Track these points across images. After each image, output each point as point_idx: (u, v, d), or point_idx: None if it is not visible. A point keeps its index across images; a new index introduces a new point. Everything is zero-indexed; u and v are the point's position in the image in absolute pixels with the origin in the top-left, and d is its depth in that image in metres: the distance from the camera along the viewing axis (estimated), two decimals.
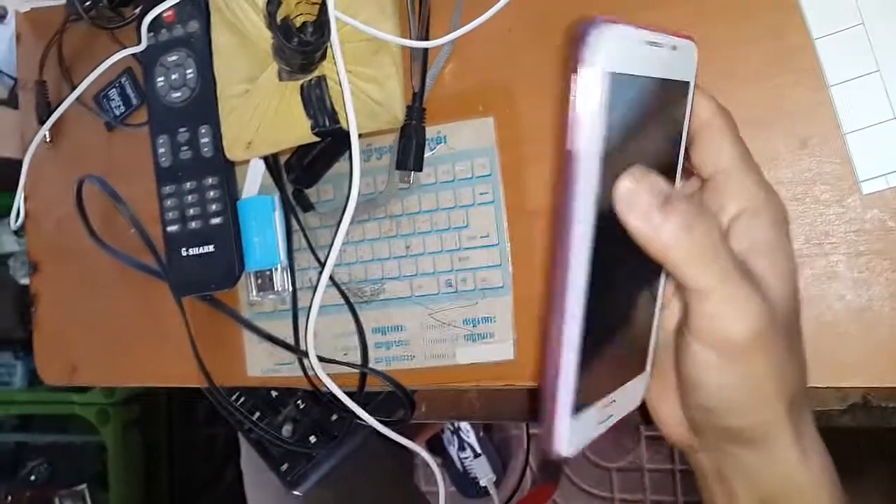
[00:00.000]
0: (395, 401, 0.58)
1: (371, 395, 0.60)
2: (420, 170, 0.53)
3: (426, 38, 0.52)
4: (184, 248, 0.57)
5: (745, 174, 0.35)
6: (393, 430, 0.57)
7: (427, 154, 0.53)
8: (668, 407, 0.39)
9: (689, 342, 0.33)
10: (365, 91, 0.51)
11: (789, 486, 0.36)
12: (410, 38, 0.52)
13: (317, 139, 0.53)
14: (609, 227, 0.30)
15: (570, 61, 0.29)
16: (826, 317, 0.44)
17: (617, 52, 0.28)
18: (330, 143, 0.54)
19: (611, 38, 0.28)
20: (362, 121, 0.51)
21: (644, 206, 0.30)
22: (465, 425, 1.29)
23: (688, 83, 0.35)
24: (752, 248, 0.34)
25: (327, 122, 0.52)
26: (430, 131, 0.53)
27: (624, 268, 0.34)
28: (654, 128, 0.34)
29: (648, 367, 0.38)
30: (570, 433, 0.32)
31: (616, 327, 0.35)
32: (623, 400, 0.36)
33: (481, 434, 1.31)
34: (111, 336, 0.64)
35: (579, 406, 0.33)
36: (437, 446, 1.32)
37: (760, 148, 0.46)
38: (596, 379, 0.34)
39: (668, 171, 0.34)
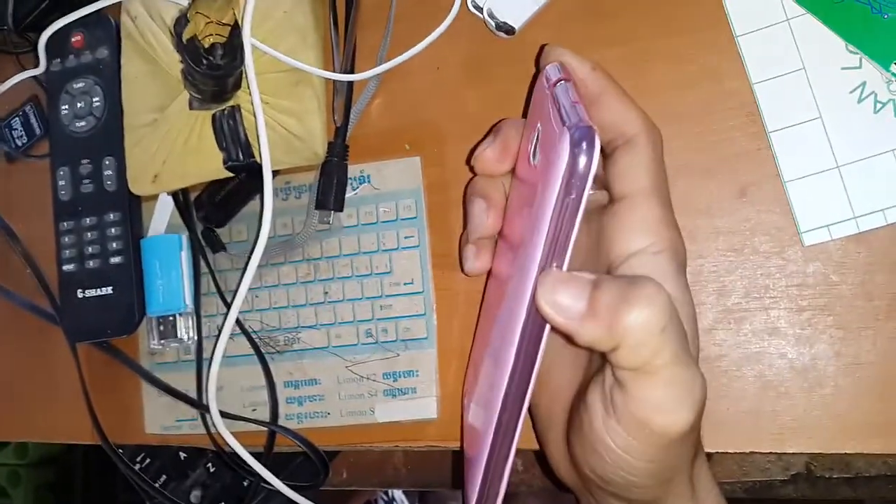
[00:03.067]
0: (315, 465, 0.52)
1: (287, 458, 0.55)
2: (341, 210, 0.49)
3: (351, 72, 0.49)
4: (80, 290, 0.52)
5: (652, 208, 0.33)
6: (307, 496, 0.52)
7: (349, 194, 0.50)
8: (557, 451, 0.36)
9: (610, 424, 0.29)
10: (283, 124, 0.47)
11: None
12: (334, 71, 0.49)
13: (230, 174, 0.49)
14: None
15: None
16: (767, 375, 0.41)
17: None
18: (244, 180, 0.50)
19: None
20: (279, 156, 0.48)
21: (570, 310, 0.29)
22: (399, 496, 1.23)
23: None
24: None
25: (241, 156, 0.48)
26: (353, 170, 0.50)
27: None
28: None
29: None
30: None
31: None
32: None
33: None
34: None
35: None
36: None
37: (697, 195, 0.43)
38: None
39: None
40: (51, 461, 1.32)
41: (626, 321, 0.27)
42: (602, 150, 0.36)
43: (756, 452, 0.41)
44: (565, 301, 0.29)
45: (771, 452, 0.41)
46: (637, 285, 0.28)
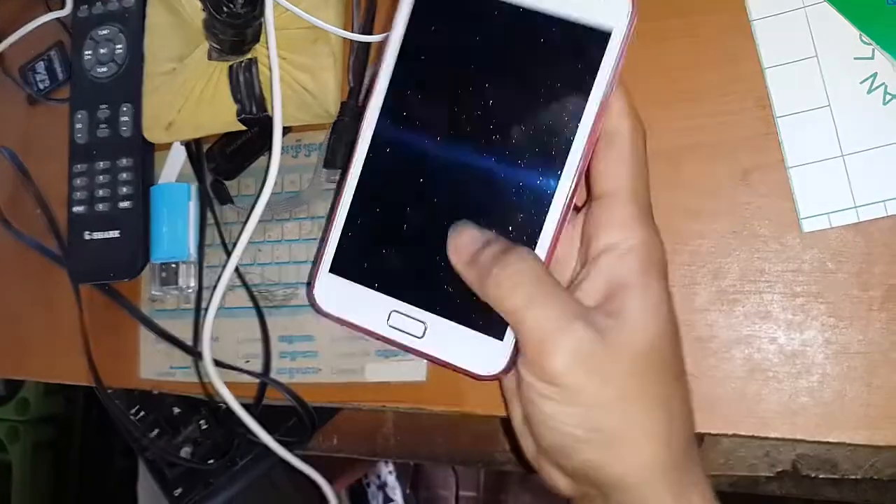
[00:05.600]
0: (304, 427, 0.53)
1: (277, 419, 0.55)
2: None
3: (369, 33, 0.50)
4: (87, 232, 0.53)
5: (629, 206, 0.33)
6: (293, 454, 0.52)
7: None
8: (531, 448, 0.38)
9: (523, 377, 0.33)
10: (298, 80, 0.48)
11: None
12: (353, 31, 0.49)
13: (243, 127, 0.50)
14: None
15: None
16: (755, 358, 0.41)
17: None
18: (256, 134, 0.51)
19: None
20: (292, 111, 0.49)
21: (465, 253, 0.33)
22: (391, 480, 1.23)
23: (605, 33, 0.32)
24: (616, 283, 0.33)
25: (254, 109, 0.49)
26: None
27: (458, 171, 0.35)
28: (524, 63, 0.34)
29: (507, 340, 0.35)
30: (325, 285, 0.36)
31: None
32: (444, 338, 0.35)
33: (408, 491, 1.25)
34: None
35: (354, 272, 0.36)
36: (360, 501, 1.25)
37: (700, 176, 0.44)
38: (392, 265, 0.36)
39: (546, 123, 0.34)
40: (50, 420, 1.33)
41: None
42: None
43: (738, 435, 0.41)
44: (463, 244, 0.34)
45: (753, 436, 0.41)
46: (508, 254, 0.32)
